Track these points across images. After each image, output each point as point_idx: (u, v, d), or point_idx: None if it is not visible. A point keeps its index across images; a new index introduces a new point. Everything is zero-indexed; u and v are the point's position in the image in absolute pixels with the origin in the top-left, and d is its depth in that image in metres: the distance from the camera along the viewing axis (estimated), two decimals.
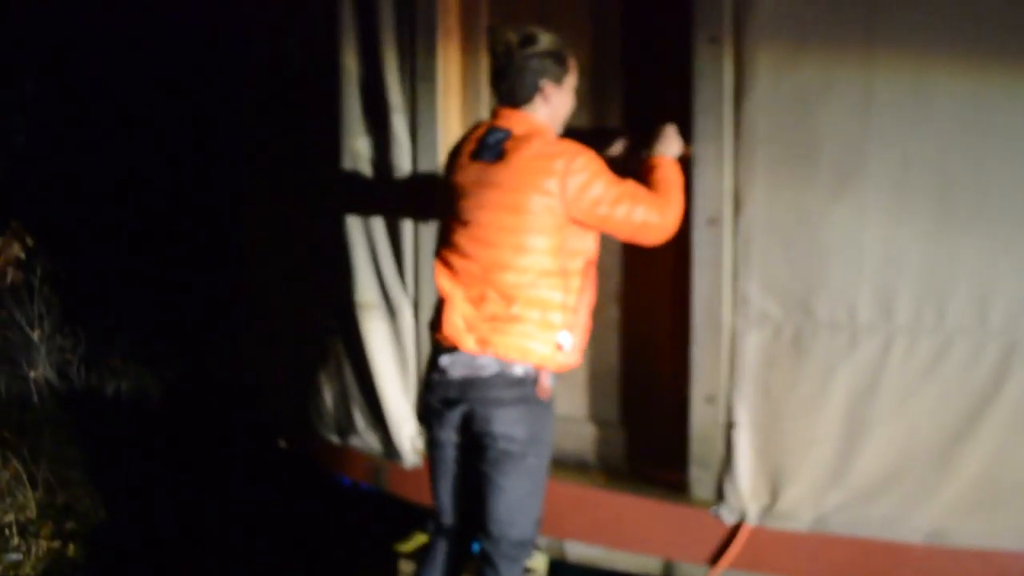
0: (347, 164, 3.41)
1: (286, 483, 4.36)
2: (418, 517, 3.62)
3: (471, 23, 3.20)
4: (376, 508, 3.99)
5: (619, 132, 2.92)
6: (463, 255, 2.45)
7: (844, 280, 2.60)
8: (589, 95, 3.06)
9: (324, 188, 3.52)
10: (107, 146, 6.46)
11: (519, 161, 2.35)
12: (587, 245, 2.45)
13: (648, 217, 2.41)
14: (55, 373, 6.01)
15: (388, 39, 3.26)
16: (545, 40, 2.41)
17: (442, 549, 2.56)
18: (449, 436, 2.50)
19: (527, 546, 2.46)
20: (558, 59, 2.44)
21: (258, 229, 4.20)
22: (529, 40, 2.40)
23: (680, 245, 2.87)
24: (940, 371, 2.54)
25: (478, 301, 2.41)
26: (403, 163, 3.28)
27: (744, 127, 2.68)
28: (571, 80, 2.50)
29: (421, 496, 3.33)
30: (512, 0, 3.16)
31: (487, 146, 2.43)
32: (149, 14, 6.10)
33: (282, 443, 4.15)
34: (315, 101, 3.59)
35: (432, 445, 2.55)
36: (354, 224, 3.40)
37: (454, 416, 2.46)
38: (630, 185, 2.42)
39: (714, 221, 2.72)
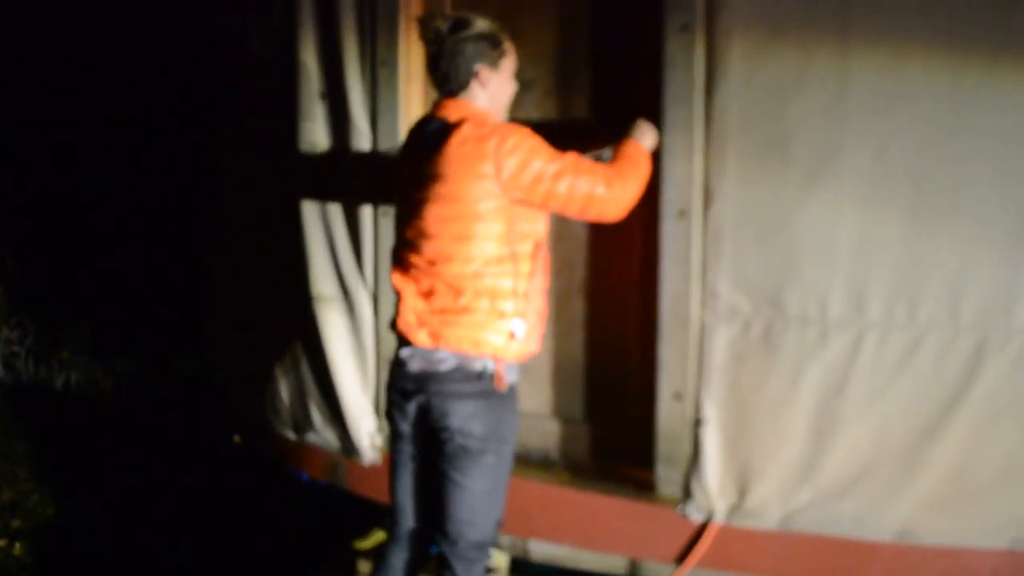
0: (304, 153, 3.26)
1: (241, 479, 4.22)
2: (377, 514, 3.51)
3: (435, 9, 3.07)
4: (334, 505, 3.87)
5: (592, 131, 2.82)
6: (410, 249, 2.36)
7: (816, 275, 2.53)
8: (556, 85, 2.96)
9: (283, 178, 3.36)
10: (57, 132, 6.21)
11: (450, 148, 2.24)
12: (536, 228, 2.35)
13: (594, 189, 2.30)
14: (1, 366, 5.78)
15: (348, 25, 3.12)
16: (478, 24, 2.31)
17: (399, 550, 2.45)
18: (407, 430, 2.40)
19: (485, 548, 2.35)
20: (492, 42, 2.33)
21: (220, 219, 4.04)
22: (460, 25, 2.31)
23: (648, 238, 2.79)
24: (911, 367, 2.48)
25: (428, 295, 2.33)
26: (362, 152, 3.15)
27: (715, 118, 2.59)
28: (508, 64, 2.40)
29: (380, 494, 3.21)
30: None
31: (423, 137, 2.35)
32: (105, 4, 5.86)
33: (237, 438, 4.00)
34: (275, 89, 3.44)
35: (392, 439, 2.45)
36: (311, 215, 3.25)
37: (411, 408, 2.36)
38: (571, 157, 2.32)
39: (683, 213, 2.62)
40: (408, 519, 2.43)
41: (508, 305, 2.28)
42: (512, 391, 2.34)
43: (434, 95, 3.05)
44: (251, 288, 3.73)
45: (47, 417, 5.30)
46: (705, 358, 2.64)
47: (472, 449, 2.27)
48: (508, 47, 2.38)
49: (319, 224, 3.22)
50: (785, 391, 2.57)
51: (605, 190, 2.32)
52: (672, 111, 2.62)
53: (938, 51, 2.41)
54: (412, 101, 3.09)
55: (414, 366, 2.32)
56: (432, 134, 2.31)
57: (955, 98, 2.40)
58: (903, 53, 2.44)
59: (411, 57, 3.07)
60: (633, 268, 2.85)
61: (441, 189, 2.25)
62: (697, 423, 2.66)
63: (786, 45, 2.52)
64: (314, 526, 3.79)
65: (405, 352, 2.34)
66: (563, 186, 2.27)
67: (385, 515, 3.43)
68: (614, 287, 2.92)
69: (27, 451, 4.75)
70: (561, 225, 2.96)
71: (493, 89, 2.36)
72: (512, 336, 2.29)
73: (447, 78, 2.33)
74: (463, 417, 2.27)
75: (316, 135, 3.23)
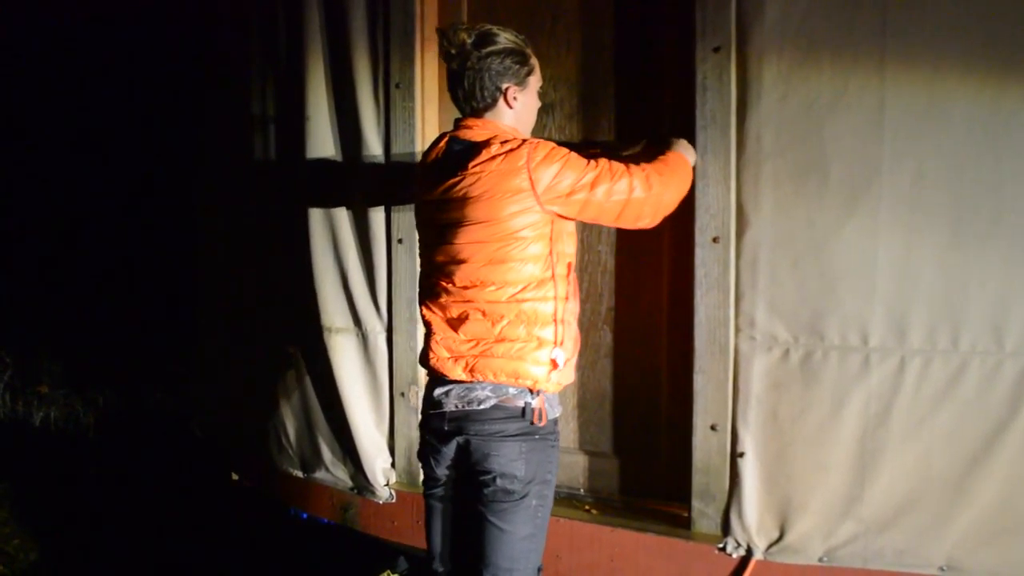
0: (314, 180, 3.11)
1: (237, 519, 4.01)
2: (382, 555, 3.34)
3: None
4: (336, 546, 3.69)
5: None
6: (440, 276, 2.21)
7: (855, 301, 2.42)
8: (579, 107, 2.85)
9: (290, 206, 3.20)
10: (40, 160, 5.98)
11: (480, 167, 2.09)
12: (568, 248, 2.22)
13: (631, 193, 2.16)
14: None
15: (359, 45, 2.99)
16: (504, 37, 2.15)
17: None
18: (442, 473, 2.24)
19: None
20: (520, 58, 2.17)
21: (213, 248, 3.86)
22: (486, 39, 2.13)
23: (676, 264, 2.68)
24: (955, 395, 2.38)
25: (459, 324, 2.17)
26: (376, 177, 3.01)
27: (749, 141, 2.49)
28: (535, 81, 2.25)
29: (394, 534, 3.06)
30: (494, 7, 2.92)
31: (449, 159, 2.18)
32: (103, 15, 5.65)
33: (234, 476, 3.80)
34: (279, 113, 3.30)
35: (427, 483, 2.28)
36: (321, 243, 3.10)
37: (448, 450, 2.20)
38: (604, 162, 2.18)
39: (718, 239, 2.52)
40: (447, 565, 2.26)
41: (548, 332, 2.14)
42: (554, 428, 2.20)
43: (452, 116, 2.98)
44: (249, 320, 3.55)
45: (26, 455, 5.05)
46: (742, 388, 2.52)
47: (515, 492, 2.12)
48: (534, 63, 2.24)
49: (330, 252, 3.06)
50: (826, 421, 2.46)
51: (642, 192, 2.18)
52: (704, 134, 2.52)
53: (976, 71, 2.33)
54: (428, 124, 2.96)
55: (450, 405, 2.16)
56: (457, 155, 2.15)
57: (994, 119, 2.32)
58: (941, 73, 2.36)
59: (426, 78, 2.95)
60: (662, 296, 2.74)
61: (473, 211, 2.10)
62: (735, 455, 2.53)
63: (821, 66, 2.43)
64: (316, 568, 3.60)
65: (439, 391, 2.19)
66: (600, 192, 2.13)
67: (395, 555, 3.29)
68: (642, 316, 2.80)
69: (6, 491, 4.51)
70: (587, 252, 2.85)
71: (520, 107, 2.21)
72: (554, 365, 2.14)
73: (471, 96, 2.17)
74: (506, 459, 2.12)
75: (326, 160, 3.08)
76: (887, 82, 2.39)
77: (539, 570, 2.21)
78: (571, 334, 2.21)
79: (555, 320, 2.14)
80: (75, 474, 4.79)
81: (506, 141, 2.11)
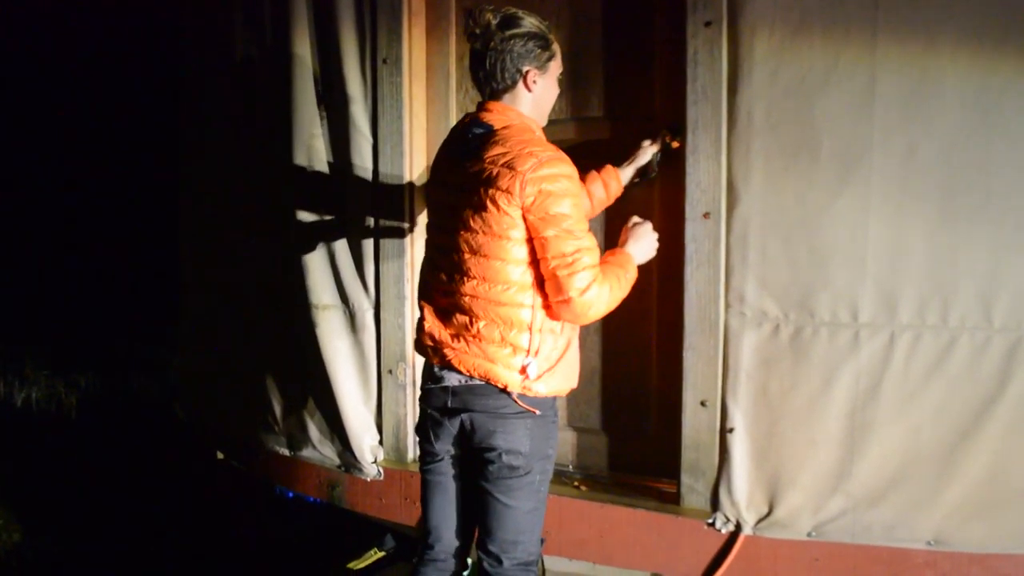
0: (300, 157, 3.03)
1: (222, 497, 3.96)
2: (369, 534, 3.30)
3: (439, 4, 2.89)
4: (324, 523, 3.65)
5: (605, 129, 2.66)
6: (434, 265, 2.18)
7: (845, 277, 2.40)
8: (568, 84, 2.79)
9: (276, 183, 3.13)
10: (24, 139, 5.85)
11: (489, 157, 2.03)
12: None
13: (576, 292, 1.99)
14: None
15: (346, 18, 2.92)
16: (528, 21, 2.10)
17: (433, 572, 2.24)
18: (443, 448, 2.20)
19: (532, 567, 2.16)
20: (542, 43, 2.12)
21: (197, 225, 3.78)
22: (510, 21, 2.09)
23: (666, 240, 2.63)
24: (944, 370, 2.36)
25: (445, 313, 2.15)
26: (363, 155, 2.94)
27: (740, 117, 2.45)
28: (555, 67, 2.19)
29: (382, 511, 3.02)
30: None
31: (466, 142, 2.13)
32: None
33: (220, 455, 3.74)
34: (264, 89, 3.22)
35: (425, 459, 2.24)
36: (308, 220, 3.03)
37: (453, 427, 2.16)
38: (593, 242, 2.05)
39: (708, 215, 2.48)
40: (443, 540, 2.22)
41: (523, 339, 2.07)
42: (554, 404, 2.17)
43: (441, 96, 2.93)
44: (235, 298, 3.48)
45: (8, 437, 4.97)
46: (732, 364, 2.50)
47: (519, 468, 2.10)
48: (556, 49, 2.17)
49: (317, 230, 3.00)
50: (816, 397, 2.44)
51: (580, 297, 2.00)
52: (695, 109, 2.48)
53: (968, 46, 2.30)
54: (416, 100, 2.90)
55: (452, 380, 2.13)
56: (475, 140, 2.10)
57: (986, 95, 2.30)
58: (932, 49, 2.33)
59: (414, 53, 2.88)
60: (651, 272, 2.69)
61: (471, 199, 2.05)
62: (724, 431, 2.51)
63: (812, 41, 2.39)
64: (304, 546, 3.56)
65: (439, 369, 2.16)
66: (565, 255, 2.00)
67: (381, 533, 3.25)
68: (631, 291, 2.75)
69: None
70: None
71: (538, 92, 2.15)
72: (525, 374, 2.08)
73: (491, 77, 2.11)
74: (512, 435, 2.09)
75: (312, 137, 3.01)
76: (878, 57, 2.36)
77: (541, 542, 2.19)
78: (554, 345, 2.12)
79: (530, 328, 2.07)
80: (58, 454, 4.72)
81: (522, 142, 2.04)
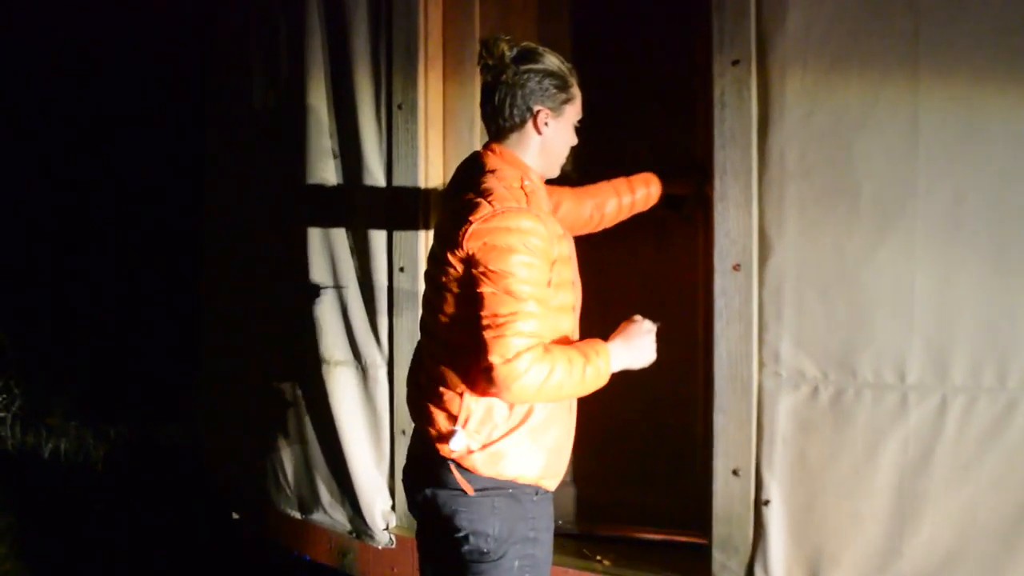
0: (314, 205, 2.91)
1: (241, 560, 3.78)
2: None
3: (459, 48, 2.75)
4: None
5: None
6: (422, 312, 2.01)
7: (891, 334, 2.17)
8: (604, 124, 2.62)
9: (289, 233, 3.00)
10: (51, 182, 5.84)
11: (458, 204, 1.84)
12: (552, 322, 1.81)
13: (508, 348, 1.70)
14: None
15: (361, 64, 2.80)
16: (548, 59, 1.89)
17: None
18: (425, 523, 2.00)
19: None
20: (560, 83, 1.89)
21: (216, 279, 3.66)
22: (528, 55, 1.88)
23: (698, 294, 2.44)
24: (1003, 437, 2.10)
25: (416, 366, 1.99)
26: (377, 202, 2.80)
27: (772, 161, 2.25)
28: (572, 113, 1.96)
29: None
30: (508, 26, 2.70)
31: (455, 185, 1.98)
32: (110, 40, 5.51)
33: (235, 515, 3.57)
34: (279, 140, 3.10)
35: (416, 537, 2.06)
36: (320, 271, 2.89)
37: (420, 500, 1.95)
38: (535, 311, 1.73)
39: (739, 267, 2.28)
40: None
41: (453, 404, 1.84)
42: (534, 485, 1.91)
43: (462, 139, 2.77)
44: (250, 351, 3.34)
45: (33, 488, 4.86)
46: (766, 429, 2.27)
47: (489, 553, 1.83)
48: (576, 93, 1.95)
49: (329, 280, 2.85)
50: (860, 466, 2.20)
51: (504, 366, 1.70)
52: (723, 153, 2.29)
53: (1017, 82, 2.09)
54: (432, 147, 2.74)
55: (416, 450, 1.95)
56: (461, 183, 1.93)
57: None
58: (978, 86, 2.12)
59: (431, 98, 2.74)
60: (696, 327, 2.49)
61: (436, 247, 1.90)
62: (759, 503, 2.27)
63: (849, 79, 2.20)
64: None
65: (413, 433, 1.99)
66: (497, 316, 1.71)
67: None
68: (675, 347, 2.54)
69: (10, 526, 4.31)
70: (609, 272, 2.59)
71: (549, 137, 1.91)
72: (468, 448, 1.82)
73: (499, 112, 1.88)
74: (476, 515, 1.84)
75: (326, 184, 2.88)
76: (920, 96, 2.15)
77: None
78: (488, 419, 1.83)
79: (460, 393, 1.83)
80: (81, 509, 4.59)
81: (491, 184, 1.81)
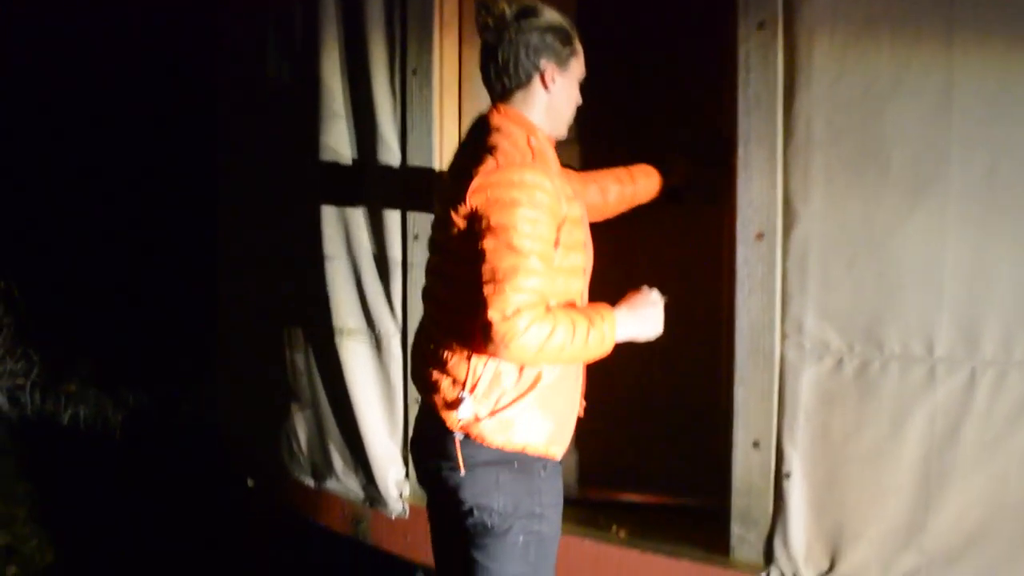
0: (326, 173, 2.85)
1: (257, 525, 3.76)
2: (408, 568, 3.06)
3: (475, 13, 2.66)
4: (358, 556, 3.42)
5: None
6: (426, 280, 1.96)
7: (919, 305, 2.09)
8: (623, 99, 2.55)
9: (303, 202, 2.94)
10: (70, 154, 5.80)
11: (463, 161, 1.78)
12: (562, 285, 1.77)
13: (508, 303, 1.62)
14: (5, 399, 5.35)
15: (375, 30, 2.72)
16: (548, 14, 1.82)
17: None
18: (433, 496, 1.96)
19: None
20: (563, 36, 1.83)
21: (233, 248, 3.61)
22: (528, 12, 1.81)
23: (721, 262, 2.37)
24: None
25: (421, 336, 1.93)
26: (391, 170, 2.73)
27: (798, 127, 2.16)
28: (577, 67, 1.89)
29: (408, 549, 2.77)
30: None
31: (462, 147, 1.91)
32: (119, 17, 5.44)
33: (250, 482, 3.55)
34: (293, 105, 3.03)
35: (428, 506, 2.02)
36: (334, 239, 2.83)
37: (427, 472, 1.90)
38: (540, 267, 1.66)
39: (762, 236, 2.20)
40: None
41: (460, 369, 1.77)
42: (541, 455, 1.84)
43: (473, 107, 2.69)
44: (265, 319, 3.30)
45: (52, 454, 4.86)
46: (789, 401, 2.20)
47: (495, 527, 1.78)
48: (579, 47, 1.88)
49: (343, 249, 2.79)
50: (885, 440, 2.13)
51: (504, 323, 1.63)
52: (748, 120, 2.20)
53: None
54: (447, 113, 2.67)
55: (422, 422, 1.91)
56: (468, 144, 1.87)
57: None
58: (1015, 53, 2.02)
59: (446, 64, 2.66)
60: (719, 295, 2.42)
61: (441, 210, 1.83)
62: (780, 476, 2.21)
63: (880, 43, 2.10)
64: None
65: (420, 404, 1.94)
66: (497, 270, 1.64)
67: (414, 571, 3.00)
68: (697, 314, 2.49)
69: (29, 491, 4.32)
70: (633, 238, 2.53)
71: (556, 94, 1.84)
72: (475, 415, 1.75)
73: (503, 72, 1.81)
74: (480, 489, 1.78)
75: (339, 153, 2.81)
76: (955, 60, 2.05)
77: None
78: (497, 383, 1.76)
79: (467, 357, 1.77)
80: (99, 475, 4.59)
81: (494, 142, 1.74)
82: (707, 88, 2.50)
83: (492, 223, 1.66)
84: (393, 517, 2.76)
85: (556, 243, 1.73)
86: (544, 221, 1.68)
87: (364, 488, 2.84)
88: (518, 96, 1.84)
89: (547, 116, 1.86)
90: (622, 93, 2.63)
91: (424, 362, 1.87)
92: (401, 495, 2.76)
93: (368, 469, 2.78)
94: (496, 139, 1.75)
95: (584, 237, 1.87)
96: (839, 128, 2.14)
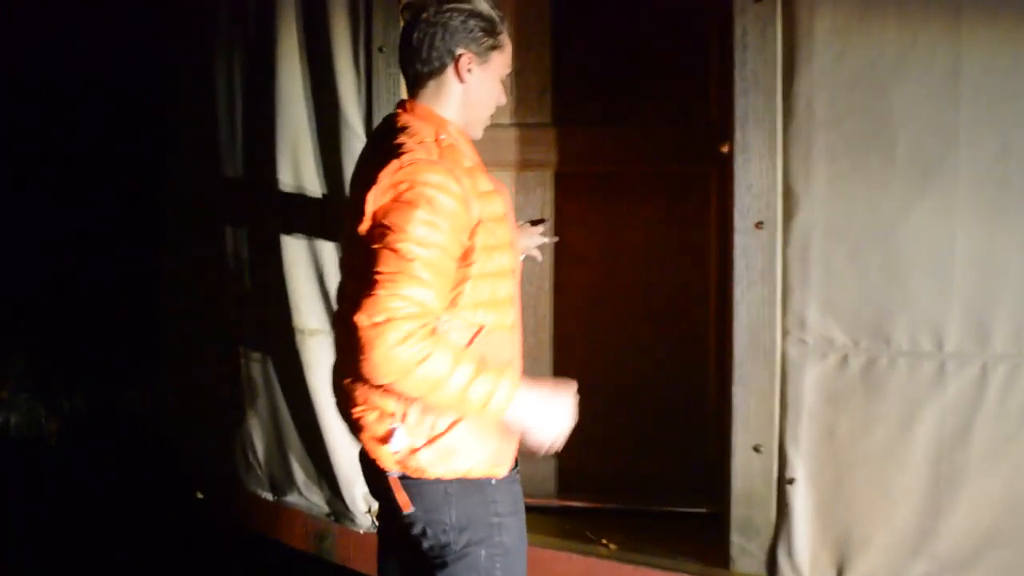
0: (285, 161, 2.59)
1: (205, 539, 3.50)
2: None
3: None
4: (318, 571, 3.19)
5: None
6: (338, 307, 1.71)
7: (928, 298, 1.97)
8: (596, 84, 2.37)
9: (259, 192, 2.69)
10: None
11: (365, 173, 1.57)
12: (488, 290, 1.57)
13: (379, 310, 1.41)
14: None
15: (338, 6, 2.48)
16: (476, 1, 1.61)
17: None
18: (382, 511, 1.76)
19: None
20: (487, 25, 1.61)
21: (177, 243, 3.34)
22: None
23: (709, 254, 2.21)
24: None
25: (338, 371, 1.67)
26: (355, 157, 2.49)
27: (799, 108, 2.02)
28: (500, 61, 1.66)
29: (376, 568, 2.55)
30: None
31: (364, 152, 1.72)
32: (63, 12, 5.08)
33: (200, 495, 3.28)
34: (247, 86, 2.78)
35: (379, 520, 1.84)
36: (294, 233, 2.59)
37: (375, 488, 1.68)
38: (439, 268, 1.47)
39: (762, 225, 2.05)
40: None
41: (388, 400, 1.54)
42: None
43: None
44: (215, 320, 3.03)
45: None
46: (791, 401, 2.05)
47: (451, 544, 1.57)
48: (505, 41, 1.66)
49: (303, 244, 2.55)
50: (893, 441, 2.00)
51: (370, 330, 1.41)
52: (745, 100, 2.04)
53: None
54: None
55: (362, 453, 1.69)
56: (372, 145, 1.69)
57: None
58: None
59: None
60: (708, 289, 2.27)
61: (349, 224, 1.58)
62: (783, 482, 2.06)
63: (885, 18, 1.97)
64: None
65: None
66: (378, 274, 1.44)
67: None
68: (684, 309, 2.33)
69: None
70: (614, 230, 2.38)
71: (473, 87, 1.62)
72: (411, 449, 1.54)
73: (416, 54, 1.61)
74: (430, 503, 1.57)
75: (299, 138, 2.57)
76: (963, 37, 1.93)
77: None
78: (450, 419, 1.54)
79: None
80: (33, 486, 4.27)
81: (400, 141, 1.53)
82: (692, 67, 2.34)
83: (384, 224, 1.47)
84: (362, 532, 2.54)
85: (471, 250, 1.52)
86: (443, 228, 1.48)
87: (329, 502, 2.62)
88: (431, 86, 1.62)
89: (461, 110, 1.64)
90: (597, 73, 2.47)
91: (346, 399, 1.63)
92: (370, 509, 2.54)
93: (333, 481, 2.55)
94: (401, 139, 1.55)
95: (510, 235, 1.64)
96: (842, 108, 2.00)
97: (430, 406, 1.51)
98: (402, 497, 1.56)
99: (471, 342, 1.53)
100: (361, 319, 1.41)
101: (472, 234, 1.52)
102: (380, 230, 1.47)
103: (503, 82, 1.68)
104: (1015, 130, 1.91)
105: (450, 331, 1.52)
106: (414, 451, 1.54)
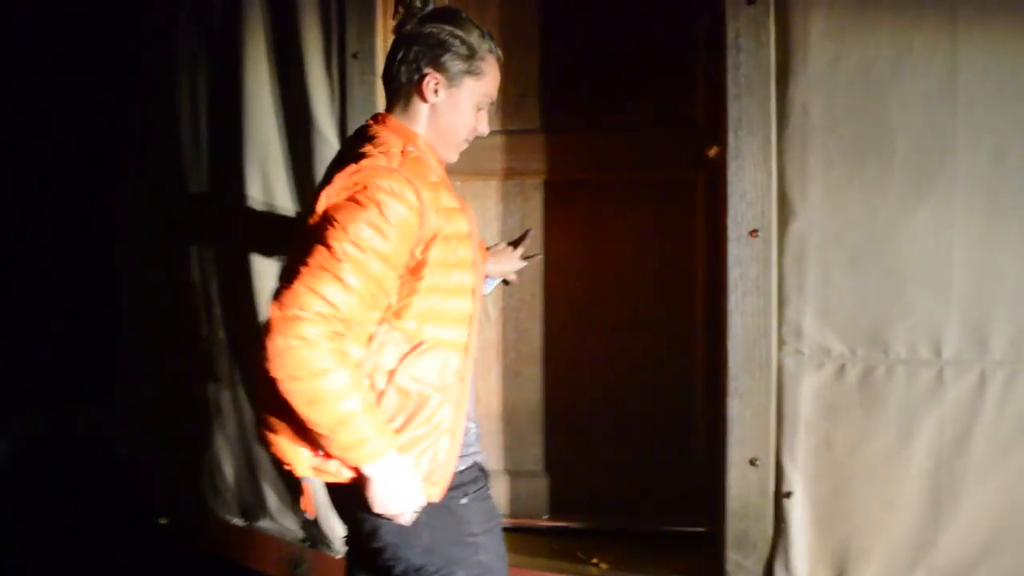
0: (253, 171, 2.48)
1: (169, 566, 3.33)
2: None
3: None
4: None
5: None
6: None
7: (926, 305, 1.93)
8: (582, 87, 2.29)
9: (226, 198, 2.55)
10: None
11: (331, 168, 1.53)
12: (444, 305, 1.51)
13: (295, 302, 1.36)
14: None
15: (309, 8, 2.37)
16: (464, 25, 1.55)
17: None
18: (351, 536, 1.71)
19: None
20: (467, 51, 1.54)
21: (139, 256, 3.17)
22: (439, 14, 1.56)
23: (715, 260, 2.14)
24: None
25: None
26: (326, 165, 2.38)
27: (793, 113, 1.97)
28: (476, 88, 1.57)
29: None
30: None
31: (334, 159, 1.62)
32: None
33: (162, 520, 3.11)
34: (213, 93, 2.65)
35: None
36: (261, 244, 2.46)
37: (340, 512, 1.65)
38: (376, 271, 1.40)
39: (756, 233, 1.99)
40: None
41: None
42: (473, 481, 1.56)
43: None
44: (176, 334, 2.88)
45: None
46: (788, 413, 2.00)
47: (426, 567, 1.50)
48: (486, 70, 1.57)
49: (274, 258, 2.43)
50: (892, 451, 1.95)
51: (281, 317, 1.35)
52: (737, 105, 1.99)
53: None
54: None
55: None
56: (340, 152, 1.62)
57: None
58: (1021, 33, 1.88)
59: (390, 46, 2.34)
60: (696, 300, 2.19)
61: (307, 209, 1.52)
62: (780, 495, 2.00)
63: (881, 21, 1.94)
64: None
65: None
66: (304, 266, 1.38)
67: None
68: (675, 321, 2.26)
69: None
70: (603, 240, 2.31)
71: (441, 109, 1.55)
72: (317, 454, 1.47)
73: (387, 68, 1.58)
74: (397, 525, 1.48)
75: (268, 147, 2.45)
76: (959, 40, 1.90)
77: None
78: (401, 407, 1.47)
79: None
80: None
81: (364, 151, 1.48)
82: (679, 71, 2.28)
83: (329, 219, 1.41)
84: (338, 558, 2.41)
85: (422, 264, 1.46)
86: (390, 236, 1.41)
87: (303, 527, 2.48)
88: (401, 101, 1.57)
89: (430, 130, 1.56)
90: (581, 77, 2.39)
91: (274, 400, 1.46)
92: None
93: None
94: (367, 147, 1.49)
95: (472, 255, 1.56)
96: (838, 113, 1.95)
97: (302, 417, 1.40)
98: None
99: (404, 357, 1.46)
100: (274, 308, 1.37)
101: (426, 247, 1.46)
102: (323, 224, 1.42)
103: (485, 111, 1.60)
104: (1010, 135, 1.88)
105: (387, 342, 1.46)
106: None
